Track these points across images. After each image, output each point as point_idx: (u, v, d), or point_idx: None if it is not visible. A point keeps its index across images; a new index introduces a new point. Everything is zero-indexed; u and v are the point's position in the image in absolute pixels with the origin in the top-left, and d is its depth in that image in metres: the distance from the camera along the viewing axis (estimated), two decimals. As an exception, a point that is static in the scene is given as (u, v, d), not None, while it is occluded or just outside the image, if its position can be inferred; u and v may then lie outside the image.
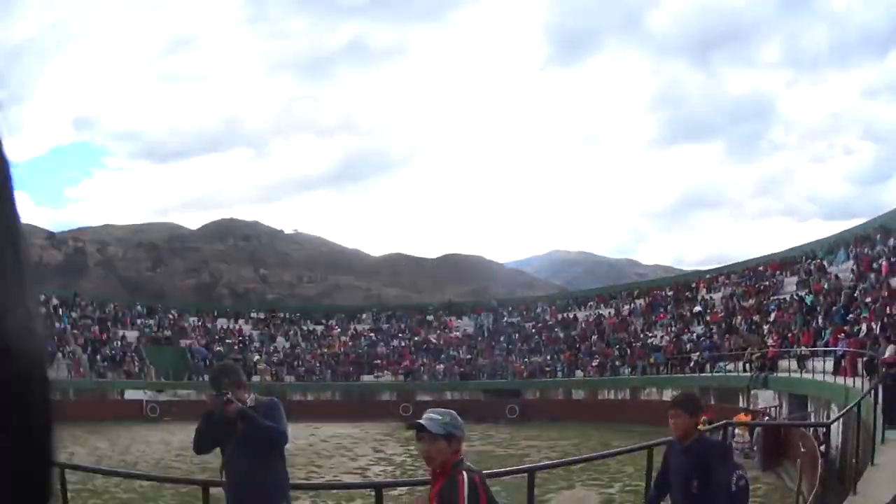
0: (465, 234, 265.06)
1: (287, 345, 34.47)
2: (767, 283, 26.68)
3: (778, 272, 26.86)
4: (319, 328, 36.38)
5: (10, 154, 0.44)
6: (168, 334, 33.46)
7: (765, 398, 20.17)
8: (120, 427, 26.06)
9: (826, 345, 18.30)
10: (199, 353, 31.94)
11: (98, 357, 29.64)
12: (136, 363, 30.61)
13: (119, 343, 31.34)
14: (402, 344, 34.80)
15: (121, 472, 18.00)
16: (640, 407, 24.59)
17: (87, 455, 18.75)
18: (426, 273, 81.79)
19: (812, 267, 24.76)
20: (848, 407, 10.39)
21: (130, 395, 29.06)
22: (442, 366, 32.22)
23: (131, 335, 32.36)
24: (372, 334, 35.74)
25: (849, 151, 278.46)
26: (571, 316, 33.54)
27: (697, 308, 28.57)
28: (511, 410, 27.97)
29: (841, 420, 11.27)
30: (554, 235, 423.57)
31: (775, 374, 19.85)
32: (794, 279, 25.19)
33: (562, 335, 32.10)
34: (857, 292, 19.86)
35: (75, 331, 30.90)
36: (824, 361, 17.37)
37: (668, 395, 22.11)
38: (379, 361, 33.01)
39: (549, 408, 27.78)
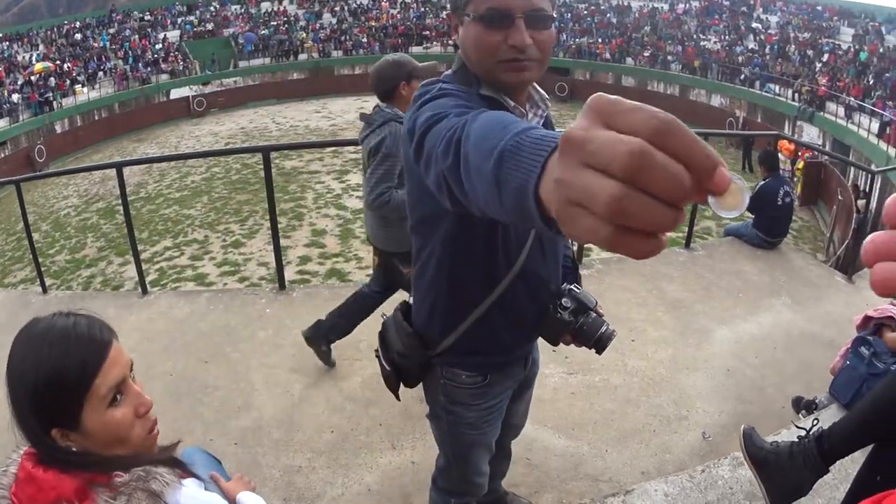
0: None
1: (334, 21, 33.21)
2: (824, 24, 25.67)
3: (835, 17, 25.89)
4: (366, 1, 34.61)
5: None
6: (210, 27, 31.77)
7: (809, 134, 19.77)
8: (166, 128, 25.69)
9: (874, 106, 17.91)
10: (248, 38, 30.84)
11: (140, 65, 28.35)
12: (180, 61, 29.42)
13: (161, 45, 30.01)
14: (453, 15, 33.64)
15: (180, 155, 17.86)
16: (688, 106, 23.56)
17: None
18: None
19: (869, 27, 23.88)
20: (891, 167, 10.89)
21: (176, 93, 27.98)
22: (495, 38, 31.28)
23: (173, 35, 30.94)
24: (422, 6, 34.15)
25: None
26: (626, 3, 31.72)
27: (755, 24, 27.24)
28: (560, 88, 26.73)
29: (879, 181, 11.86)
30: None
31: (822, 114, 19.60)
32: (851, 31, 24.31)
33: (614, 21, 30.54)
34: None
35: (114, 46, 29.43)
36: (870, 122, 17.52)
37: (716, 100, 23.57)
38: (428, 33, 31.99)
39: (598, 91, 27.43)
